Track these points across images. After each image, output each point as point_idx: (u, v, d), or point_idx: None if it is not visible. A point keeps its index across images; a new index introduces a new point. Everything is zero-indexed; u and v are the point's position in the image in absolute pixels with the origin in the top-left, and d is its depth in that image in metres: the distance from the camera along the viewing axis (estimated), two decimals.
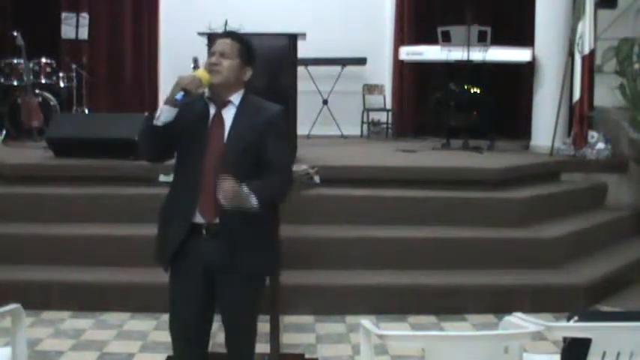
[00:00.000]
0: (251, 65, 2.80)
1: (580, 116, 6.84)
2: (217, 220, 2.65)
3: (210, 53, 2.76)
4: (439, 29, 7.49)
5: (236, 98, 2.74)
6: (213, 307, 2.82)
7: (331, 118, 8.62)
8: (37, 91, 7.45)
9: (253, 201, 2.53)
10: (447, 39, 7.46)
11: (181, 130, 2.66)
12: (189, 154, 2.68)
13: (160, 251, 2.79)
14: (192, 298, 2.76)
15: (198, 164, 2.65)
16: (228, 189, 2.46)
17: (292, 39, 5.73)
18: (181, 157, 2.75)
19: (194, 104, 2.70)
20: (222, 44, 2.72)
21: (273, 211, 2.90)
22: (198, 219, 2.66)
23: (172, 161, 2.93)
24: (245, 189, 2.50)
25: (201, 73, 2.66)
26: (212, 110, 2.72)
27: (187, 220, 2.67)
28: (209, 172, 2.62)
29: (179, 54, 8.58)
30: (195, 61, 8.30)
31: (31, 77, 7.44)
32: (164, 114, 2.61)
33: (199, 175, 2.64)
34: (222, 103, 2.72)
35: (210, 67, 2.68)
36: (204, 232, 2.67)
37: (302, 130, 6.62)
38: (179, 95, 2.59)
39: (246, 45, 2.79)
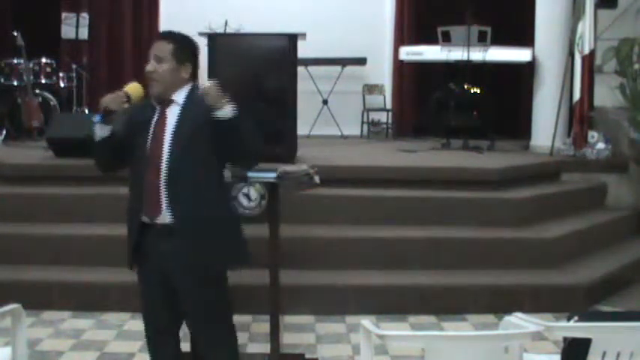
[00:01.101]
0: (189, 61, 2.83)
1: (580, 116, 6.84)
2: (168, 220, 2.72)
3: (148, 58, 2.82)
4: (439, 29, 7.49)
5: (179, 96, 2.80)
6: (179, 304, 2.85)
7: (331, 118, 8.62)
8: (37, 91, 7.46)
9: (229, 109, 2.66)
10: (447, 39, 7.46)
11: (130, 136, 2.79)
12: (136, 156, 2.78)
13: (128, 251, 2.89)
14: (154, 297, 2.86)
15: (142, 164, 2.75)
16: (211, 86, 2.64)
17: (292, 39, 5.73)
18: (132, 160, 2.83)
19: (145, 109, 2.81)
20: (156, 48, 2.79)
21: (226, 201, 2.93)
22: (145, 218, 2.76)
23: None
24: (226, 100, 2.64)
25: (132, 88, 2.77)
26: (157, 111, 2.81)
27: (137, 219, 2.77)
28: (151, 171, 2.72)
29: None
30: None
31: (31, 77, 7.44)
32: (97, 132, 2.75)
33: (143, 174, 2.74)
34: (166, 103, 2.80)
35: (148, 76, 2.77)
36: (159, 232, 2.74)
37: (302, 130, 6.62)
38: (96, 117, 2.73)
39: (179, 43, 2.81)
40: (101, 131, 2.75)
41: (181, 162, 2.70)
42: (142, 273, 2.88)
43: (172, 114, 2.77)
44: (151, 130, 2.76)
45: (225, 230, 2.84)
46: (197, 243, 2.75)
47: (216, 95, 2.64)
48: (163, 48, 2.77)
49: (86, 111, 7.88)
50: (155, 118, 2.79)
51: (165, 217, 2.72)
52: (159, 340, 2.93)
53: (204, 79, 6.71)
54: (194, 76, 2.88)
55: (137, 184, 2.78)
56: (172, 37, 2.84)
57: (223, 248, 2.83)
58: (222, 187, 2.88)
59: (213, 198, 2.80)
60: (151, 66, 2.76)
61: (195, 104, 2.77)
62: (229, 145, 2.72)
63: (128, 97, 2.73)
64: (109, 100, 2.70)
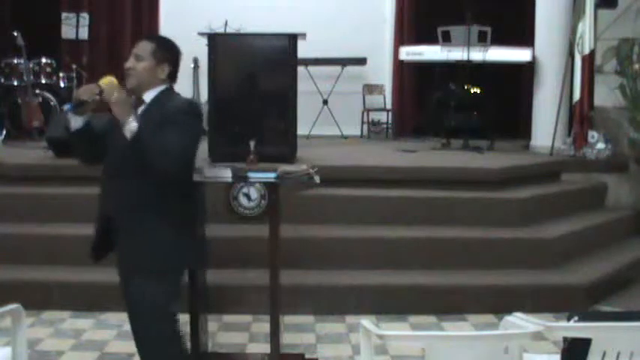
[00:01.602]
0: (167, 62, 2.86)
1: (580, 116, 6.85)
2: (116, 217, 2.81)
3: (129, 55, 2.89)
4: (439, 29, 7.49)
5: (149, 96, 2.85)
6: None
7: (331, 118, 8.62)
8: (37, 91, 7.45)
9: (131, 125, 2.64)
10: (447, 39, 7.46)
11: (107, 134, 2.86)
12: (106, 155, 2.87)
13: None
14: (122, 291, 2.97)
15: (106, 164, 2.87)
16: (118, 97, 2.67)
17: (292, 39, 5.73)
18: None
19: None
20: (138, 47, 2.86)
21: (182, 206, 2.85)
22: (107, 215, 2.85)
23: None
24: (133, 116, 2.66)
25: (105, 81, 2.79)
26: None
27: (102, 217, 2.89)
28: (111, 170, 2.83)
29: None
30: (196, 61, 8.33)
31: (31, 77, 7.44)
32: (71, 122, 2.80)
33: (105, 174, 2.87)
34: (138, 103, 2.86)
35: (126, 72, 2.85)
36: (112, 228, 2.83)
37: (302, 130, 6.63)
38: (68, 105, 2.78)
39: (159, 44, 2.88)
40: (75, 123, 2.80)
41: (128, 162, 2.73)
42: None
43: (138, 115, 2.80)
44: (117, 130, 2.79)
45: (160, 234, 2.78)
46: (130, 242, 2.80)
47: (123, 110, 2.67)
48: (144, 47, 2.84)
49: None
50: None
51: (116, 215, 2.83)
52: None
53: (204, 79, 6.73)
54: (172, 78, 2.91)
55: (102, 180, 2.90)
56: (155, 38, 2.96)
57: (155, 251, 2.78)
58: (169, 191, 2.79)
59: (151, 202, 2.76)
60: (130, 63, 2.84)
61: (157, 107, 2.81)
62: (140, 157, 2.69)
63: (101, 90, 2.76)
64: (81, 91, 2.77)
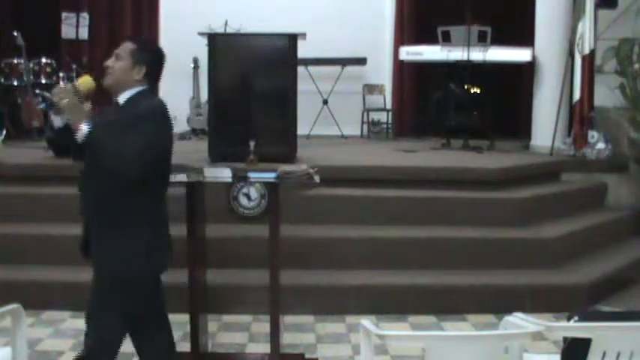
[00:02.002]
0: (144, 64, 2.85)
1: (580, 116, 6.85)
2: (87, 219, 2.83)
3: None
4: (439, 29, 7.49)
5: (123, 98, 2.84)
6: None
7: (331, 118, 8.62)
8: (37, 91, 7.45)
9: (82, 129, 2.62)
10: (447, 39, 7.46)
11: None
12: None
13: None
14: None
15: (83, 165, 2.87)
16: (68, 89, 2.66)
17: (292, 39, 5.73)
18: None
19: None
20: (120, 47, 2.88)
21: (142, 210, 2.80)
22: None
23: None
24: (86, 121, 2.64)
25: (82, 81, 2.83)
26: None
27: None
28: (84, 172, 2.84)
29: (179, 54, 8.58)
30: (196, 61, 8.33)
31: (31, 77, 7.44)
32: (54, 122, 2.80)
33: (80, 175, 2.86)
34: (115, 104, 2.87)
35: (105, 71, 2.85)
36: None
37: (302, 130, 6.62)
38: (43, 105, 2.76)
39: (140, 45, 2.88)
40: (57, 122, 2.79)
41: (91, 165, 2.78)
42: None
43: (109, 116, 2.83)
44: None
45: (121, 235, 2.76)
46: (95, 245, 2.82)
47: (74, 116, 2.65)
48: (125, 47, 2.86)
49: None
50: None
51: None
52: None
53: (204, 79, 6.72)
54: (151, 80, 2.90)
55: (78, 181, 2.91)
56: (137, 39, 2.95)
57: (113, 255, 2.77)
58: (131, 195, 2.75)
59: (113, 207, 2.75)
60: (109, 61, 2.85)
61: (130, 108, 2.79)
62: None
63: (76, 90, 2.76)
64: (57, 91, 2.76)
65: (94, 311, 2.80)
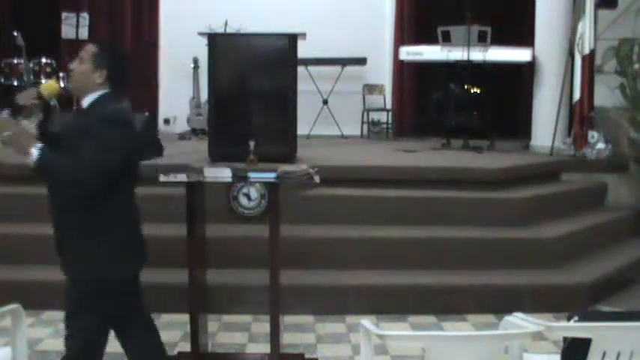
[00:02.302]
0: (105, 68, 2.81)
1: (580, 116, 6.85)
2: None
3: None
4: (439, 29, 7.49)
5: (86, 102, 2.83)
6: None
7: (331, 118, 8.62)
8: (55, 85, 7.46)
9: (33, 154, 2.62)
10: (447, 39, 7.46)
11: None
12: None
13: None
14: None
15: None
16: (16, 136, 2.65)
17: (292, 39, 5.73)
18: None
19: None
20: (82, 50, 2.86)
21: (111, 211, 2.80)
22: None
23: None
24: (33, 144, 2.63)
25: (46, 85, 2.88)
26: None
27: None
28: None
29: (179, 54, 8.61)
30: (196, 61, 8.33)
31: (31, 77, 7.44)
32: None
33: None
34: (79, 107, 2.87)
35: (69, 74, 2.86)
36: None
37: (302, 130, 6.62)
38: (3, 111, 2.83)
39: (101, 48, 2.85)
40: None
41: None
42: None
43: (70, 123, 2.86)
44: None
45: (90, 237, 2.76)
46: (62, 250, 2.86)
47: (19, 145, 2.65)
48: (87, 50, 2.84)
49: None
50: None
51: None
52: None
53: (204, 79, 6.72)
54: (114, 84, 2.85)
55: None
56: (100, 42, 2.91)
57: (81, 258, 2.78)
58: (98, 199, 2.74)
59: (76, 211, 2.77)
60: (73, 64, 2.85)
61: (91, 113, 2.78)
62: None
63: (40, 95, 2.80)
64: (20, 96, 2.80)
65: (73, 313, 2.79)
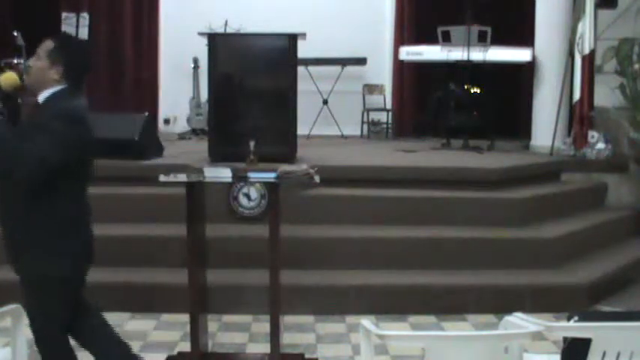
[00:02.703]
0: (61, 63, 2.79)
1: (580, 116, 6.85)
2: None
3: None
4: (439, 29, 7.49)
5: (42, 97, 2.81)
6: None
7: (331, 118, 8.62)
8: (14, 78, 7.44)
9: None
10: (447, 39, 7.46)
11: None
12: None
13: None
14: None
15: None
16: None
17: (292, 39, 5.73)
18: None
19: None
20: (41, 45, 2.83)
21: (61, 211, 2.77)
22: None
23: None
24: None
25: (4, 77, 2.82)
26: None
27: None
28: None
29: (179, 54, 8.61)
30: (196, 61, 8.33)
31: None
32: None
33: None
34: (35, 103, 2.85)
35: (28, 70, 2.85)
36: None
37: (302, 130, 6.62)
38: None
39: (58, 44, 2.83)
40: None
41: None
42: None
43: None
44: None
45: (41, 237, 2.75)
46: (12, 249, 2.82)
47: None
48: (45, 46, 2.82)
49: None
50: None
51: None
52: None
53: (204, 79, 6.72)
54: (70, 80, 2.83)
55: None
56: (58, 38, 2.89)
57: (32, 257, 2.78)
58: (40, 198, 2.72)
59: (25, 210, 2.74)
60: (31, 60, 2.85)
61: (47, 109, 2.78)
62: None
63: None
64: None
65: (36, 315, 2.81)
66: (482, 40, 7.28)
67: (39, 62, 2.80)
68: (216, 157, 5.68)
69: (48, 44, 2.82)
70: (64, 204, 2.76)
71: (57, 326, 2.88)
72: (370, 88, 8.99)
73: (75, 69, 2.83)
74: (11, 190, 2.72)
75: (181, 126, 8.66)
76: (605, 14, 7.02)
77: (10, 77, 2.82)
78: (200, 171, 3.63)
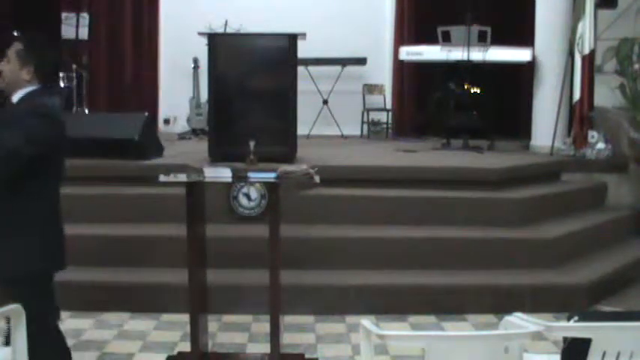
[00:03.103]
0: (32, 64, 2.84)
1: (580, 116, 6.85)
2: None
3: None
4: (439, 29, 7.49)
5: (16, 97, 2.85)
6: None
7: (331, 118, 8.62)
8: None
9: None
10: (447, 39, 7.46)
11: None
12: None
13: None
14: None
15: None
16: None
17: (292, 39, 5.73)
18: None
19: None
20: (9, 49, 2.86)
21: (31, 207, 2.78)
22: None
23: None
24: None
25: None
26: None
27: None
28: None
29: (179, 54, 8.61)
30: (196, 61, 8.34)
31: None
32: None
33: None
34: (9, 103, 2.88)
35: None
36: None
37: (302, 130, 6.63)
38: None
39: (26, 45, 2.87)
40: None
41: None
42: None
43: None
44: None
45: (14, 235, 2.76)
46: None
47: None
48: (13, 48, 2.86)
49: (86, 111, 7.89)
50: None
51: None
52: None
53: (204, 79, 6.73)
54: (42, 79, 2.86)
55: None
56: (24, 38, 2.92)
57: (13, 252, 2.76)
58: (21, 192, 2.74)
59: (6, 203, 2.75)
60: (0, 64, 2.87)
61: (19, 109, 2.80)
62: None
63: None
64: None
65: (30, 317, 2.68)
66: (482, 40, 7.29)
67: (9, 65, 2.84)
68: (216, 157, 5.68)
69: (17, 46, 2.85)
70: (33, 204, 2.77)
71: (52, 322, 2.89)
72: (370, 88, 8.99)
73: (45, 67, 2.87)
74: None
75: (181, 126, 8.66)
76: (605, 14, 7.02)
77: None
78: (200, 171, 3.63)
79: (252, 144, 5.43)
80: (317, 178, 3.60)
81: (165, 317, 4.41)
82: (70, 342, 3.99)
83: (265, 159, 5.37)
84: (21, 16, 8.15)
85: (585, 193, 6.29)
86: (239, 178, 3.82)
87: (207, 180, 3.56)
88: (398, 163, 6.13)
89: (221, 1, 8.67)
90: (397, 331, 3.80)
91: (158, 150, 6.02)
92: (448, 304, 4.62)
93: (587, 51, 6.75)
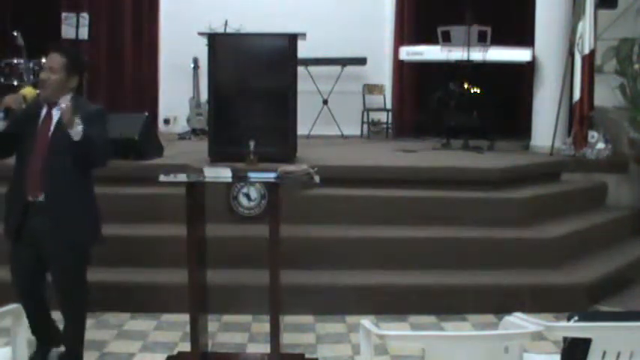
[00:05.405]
0: (77, 74, 3.43)
1: (580, 116, 6.85)
2: (42, 198, 3.30)
3: (43, 67, 3.51)
4: (439, 29, 7.49)
5: (63, 100, 3.26)
6: (44, 269, 3.47)
7: (331, 118, 8.63)
8: (37, 91, 7.45)
9: (78, 129, 3.16)
10: (447, 39, 7.46)
11: (19, 129, 3.30)
12: (24, 146, 3.34)
13: (7, 227, 3.45)
14: (23, 263, 3.42)
15: (28, 154, 3.31)
16: (68, 108, 3.14)
17: (292, 39, 5.73)
18: (18, 149, 3.38)
19: (30, 108, 3.34)
20: (51, 60, 3.38)
21: (89, 188, 3.49)
22: (29, 198, 3.31)
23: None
24: (78, 120, 3.17)
25: (27, 91, 3.31)
26: (45, 110, 3.37)
27: (21, 200, 3.33)
28: (36, 160, 3.29)
29: (179, 54, 8.61)
30: (196, 61, 8.34)
31: (31, 77, 7.44)
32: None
33: (28, 162, 3.30)
34: (53, 105, 3.35)
35: (41, 84, 3.35)
36: (37, 209, 3.30)
37: (302, 130, 6.63)
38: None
39: (70, 58, 3.40)
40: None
41: (56, 153, 3.27)
42: (18, 245, 3.41)
43: (56, 114, 3.31)
44: (39, 124, 3.34)
45: (82, 210, 3.41)
46: (60, 218, 3.32)
47: (69, 117, 3.14)
48: (57, 60, 3.35)
49: None
50: (43, 115, 3.36)
51: (42, 197, 3.30)
52: (23, 302, 3.13)
53: (204, 79, 6.73)
54: (80, 85, 3.47)
55: (22, 169, 3.33)
56: (66, 52, 3.43)
57: (78, 224, 3.39)
58: (84, 175, 3.41)
59: (75, 185, 3.36)
60: (44, 75, 3.35)
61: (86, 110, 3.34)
62: (77, 154, 3.25)
63: (25, 99, 3.25)
64: (11, 100, 3.22)
65: (75, 264, 3.52)
66: (482, 40, 7.29)
67: (57, 76, 3.32)
68: (216, 157, 5.68)
69: (59, 59, 3.34)
70: (93, 186, 3.50)
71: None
72: (370, 88, 8.99)
73: (82, 78, 3.45)
74: (65, 169, 3.27)
75: (181, 126, 8.66)
76: (605, 14, 7.03)
77: (31, 91, 3.31)
78: (200, 171, 3.63)
79: (252, 144, 5.43)
80: (317, 178, 3.60)
81: (165, 317, 4.41)
82: None
83: (265, 159, 5.37)
84: (21, 16, 8.16)
85: (585, 193, 6.29)
86: (239, 178, 3.82)
87: (207, 180, 3.56)
88: (398, 163, 6.12)
89: (221, 1, 8.66)
90: (397, 331, 3.80)
91: (158, 150, 6.02)
92: (448, 304, 4.62)
93: (587, 51, 6.75)
